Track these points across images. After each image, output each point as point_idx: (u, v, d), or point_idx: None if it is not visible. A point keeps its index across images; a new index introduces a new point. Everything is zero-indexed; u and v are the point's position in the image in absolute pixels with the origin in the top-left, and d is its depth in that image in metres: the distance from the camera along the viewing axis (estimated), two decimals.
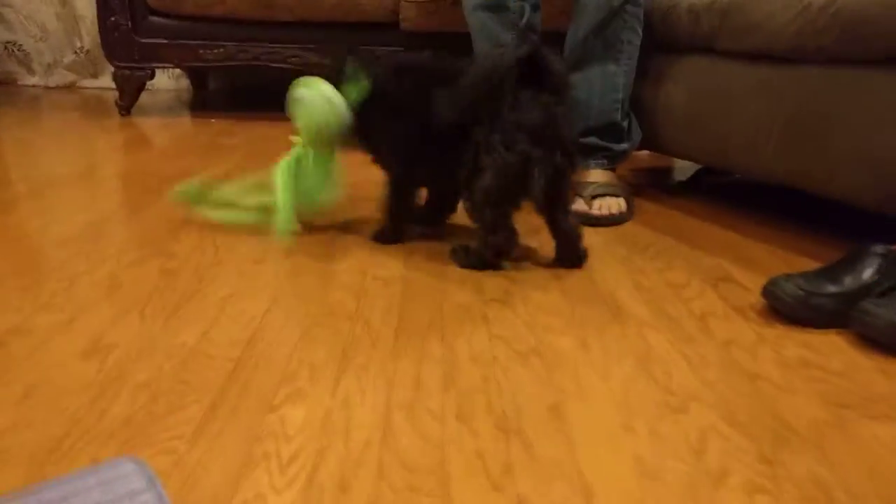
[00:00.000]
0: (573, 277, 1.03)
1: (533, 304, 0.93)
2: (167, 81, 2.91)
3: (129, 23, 2.18)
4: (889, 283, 0.87)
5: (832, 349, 0.83)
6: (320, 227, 1.19)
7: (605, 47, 1.34)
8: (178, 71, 2.89)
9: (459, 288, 0.97)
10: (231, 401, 0.68)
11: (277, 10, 2.15)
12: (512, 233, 1.03)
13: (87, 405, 0.66)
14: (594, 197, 1.31)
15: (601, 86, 1.35)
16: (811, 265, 0.96)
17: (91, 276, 0.97)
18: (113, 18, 2.17)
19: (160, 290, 0.93)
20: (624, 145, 1.40)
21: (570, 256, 1.06)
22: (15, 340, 0.79)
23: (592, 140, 1.36)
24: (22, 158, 1.70)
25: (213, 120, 2.27)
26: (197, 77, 2.92)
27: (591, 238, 1.14)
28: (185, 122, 2.29)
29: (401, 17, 2.14)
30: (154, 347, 0.78)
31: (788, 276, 0.90)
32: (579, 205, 1.30)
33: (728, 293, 0.98)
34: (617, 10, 1.32)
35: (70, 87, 2.90)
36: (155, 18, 2.20)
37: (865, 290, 0.86)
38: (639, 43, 1.38)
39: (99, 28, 2.21)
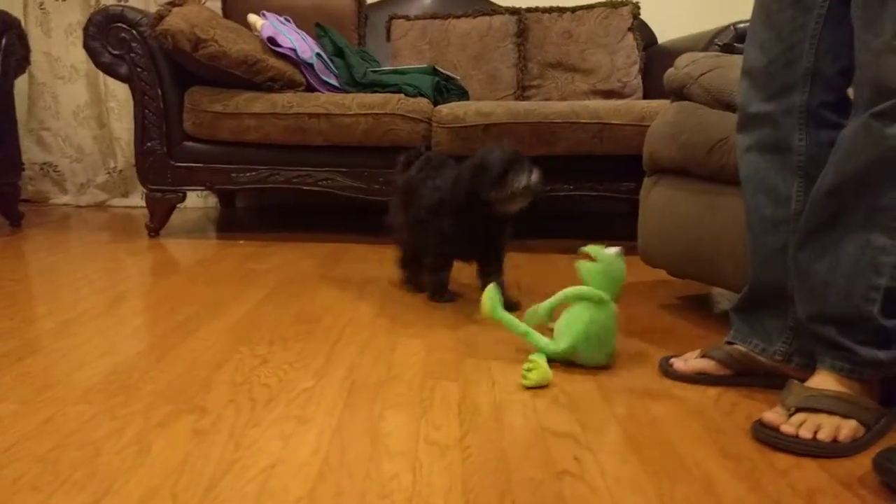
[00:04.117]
0: (650, 443, 0.92)
1: (611, 478, 0.82)
2: (195, 200, 2.93)
3: (165, 148, 2.21)
4: None
5: None
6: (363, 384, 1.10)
7: (869, 209, 0.90)
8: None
9: (524, 456, 0.87)
10: None
11: (309, 135, 2.18)
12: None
13: None
14: (800, 409, 0.92)
15: (853, 262, 0.92)
16: None
17: (117, 441, 0.88)
18: (149, 143, 2.20)
19: (192, 460, 0.84)
20: (879, 354, 0.92)
21: None
22: None
23: (829, 332, 0.95)
24: (49, 286, 1.65)
25: (241, 242, 2.24)
26: (225, 196, 2.94)
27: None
28: (213, 243, 2.27)
29: (433, 141, 2.15)
30: None
31: None
32: (771, 414, 0.93)
33: (835, 467, 0.87)
34: (894, 151, 0.86)
35: (101, 206, 2.93)
36: (189, 143, 2.23)
37: None
38: None
39: (135, 153, 2.23)
